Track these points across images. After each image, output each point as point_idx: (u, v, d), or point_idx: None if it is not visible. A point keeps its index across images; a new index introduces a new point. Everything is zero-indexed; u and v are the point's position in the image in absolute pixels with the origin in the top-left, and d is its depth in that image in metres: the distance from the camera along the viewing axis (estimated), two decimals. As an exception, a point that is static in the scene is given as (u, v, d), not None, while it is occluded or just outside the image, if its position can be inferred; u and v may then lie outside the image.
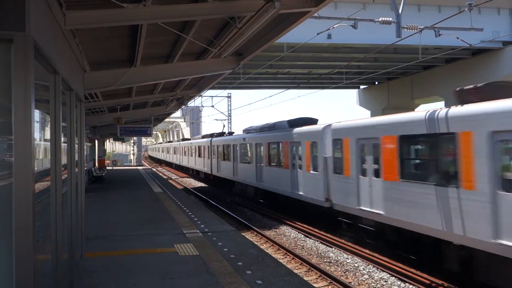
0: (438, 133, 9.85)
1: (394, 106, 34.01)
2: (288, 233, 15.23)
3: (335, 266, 11.29)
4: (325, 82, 36.87)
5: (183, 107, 27.73)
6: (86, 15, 6.69)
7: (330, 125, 14.82)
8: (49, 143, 5.25)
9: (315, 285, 9.31)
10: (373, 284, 9.83)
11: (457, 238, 9.27)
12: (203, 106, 45.63)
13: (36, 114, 4.32)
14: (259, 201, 22.19)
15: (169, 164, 61.56)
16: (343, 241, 13.44)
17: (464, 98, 9.93)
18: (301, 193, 16.77)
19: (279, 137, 19.01)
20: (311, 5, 7.91)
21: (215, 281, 7.19)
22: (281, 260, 11.29)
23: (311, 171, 15.93)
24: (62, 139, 5.85)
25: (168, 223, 12.62)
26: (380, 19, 14.90)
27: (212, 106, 44.20)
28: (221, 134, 32.98)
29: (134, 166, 62.06)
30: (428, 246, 10.46)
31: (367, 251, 12.14)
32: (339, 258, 11.93)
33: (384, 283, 9.84)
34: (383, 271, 10.63)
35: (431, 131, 10.03)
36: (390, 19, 14.67)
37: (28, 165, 3.76)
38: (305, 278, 9.34)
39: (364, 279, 10.20)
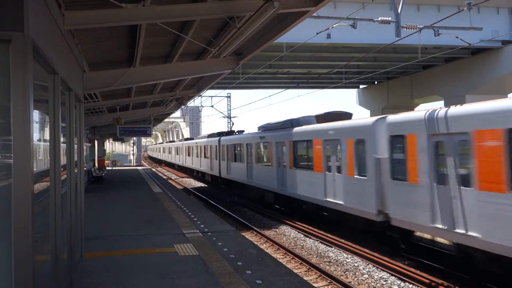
0: None
1: (393, 106, 34.04)
2: (288, 233, 15.22)
3: (335, 266, 11.29)
4: (325, 82, 36.87)
5: (183, 107, 27.71)
6: (85, 15, 6.69)
7: (384, 118, 12.01)
8: (48, 144, 5.25)
9: (315, 284, 9.30)
10: (373, 284, 9.83)
11: None
12: (203, 106, 45.67)
13: (35, 115, 4.31)
14: (281, 209, 19.55)
15: (171, 165, 59.35)
16: (343, 240, 13.43)
17: None
18: (339, 202, 13.88)
19: (308, 134, 16.14)
20: (310, 4, 7.90)
21: (214, 281, 7.19)
22: (281, 260, 11.30)
23: (356, 176, 13.06)
24: (62, 139, 5.85)
25: (168, 223, 12.61)
26: (379, 19, 14.91)
27: (212, 106, 44.18)
28: (231, 132, 30.86)
29: (133, 166, 62.06)
30: None
31: (367, 250, 12.14)
32: (339, 257, 11.93)
33: (384, 283, 9.84)
34: (383, 270, 10.63)
35: None
36: (390, 18, 14.68)
37: (27, 166, 3.76)
38: (305, 278, 9.35)
39: (364, 279, 10.20)
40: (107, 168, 45.57)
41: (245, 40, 9.59)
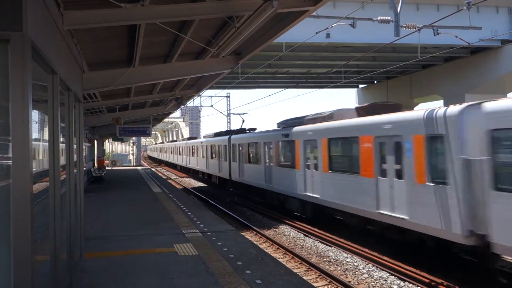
0: None
1: (393, 105, 33.97)
2: (287, 233, 15.22)
3: (335, 265, 11.28)
4: (324, 82, 36.86)
5: (182, 107, 27.67)
6: (84, 15, 6.69)
7: (477, 105, 9.12)
8: (47, 144, 5.24)
9: (314, 284, 9.30)
10: (372, 283, 9.83)
11: None
12: (202, 106, 45.63)
13: (34, 115, 4.31)
14: (308, 219, 16.60)
15: (173, 166, 57.25)
16: (342, 240, 13.43)
17: None
18: (401, 216, 11.01)
19: (351, 130, 13.30)
20: (309, 4, 7.90)
21: (214, 281, 7.19)
22: (280, 260, 11.30)
23: (429, 183, 10.17)
24: (61, 139, 5.84)
25: (168, 223, 12.61)
26: (378, 18, 14.93)
27: (211, 106, 44.16)
28: (242, 130, 27.98)
29: (133, 166, 62.06)
30: None
31: (366, 250, 12.14)
32: (338, 257, 11.93)
33: (384, 282, 9.84)
34: (383, 270, 10.63)
35: None
36: (389, 18, 14.70)
37: (26, 166, 3.75)
38: (305, 277, 9.36)
39: (363, 278, 10.20)
40: (107, 168, 45.57)
41: (244, 40, 9.61)
